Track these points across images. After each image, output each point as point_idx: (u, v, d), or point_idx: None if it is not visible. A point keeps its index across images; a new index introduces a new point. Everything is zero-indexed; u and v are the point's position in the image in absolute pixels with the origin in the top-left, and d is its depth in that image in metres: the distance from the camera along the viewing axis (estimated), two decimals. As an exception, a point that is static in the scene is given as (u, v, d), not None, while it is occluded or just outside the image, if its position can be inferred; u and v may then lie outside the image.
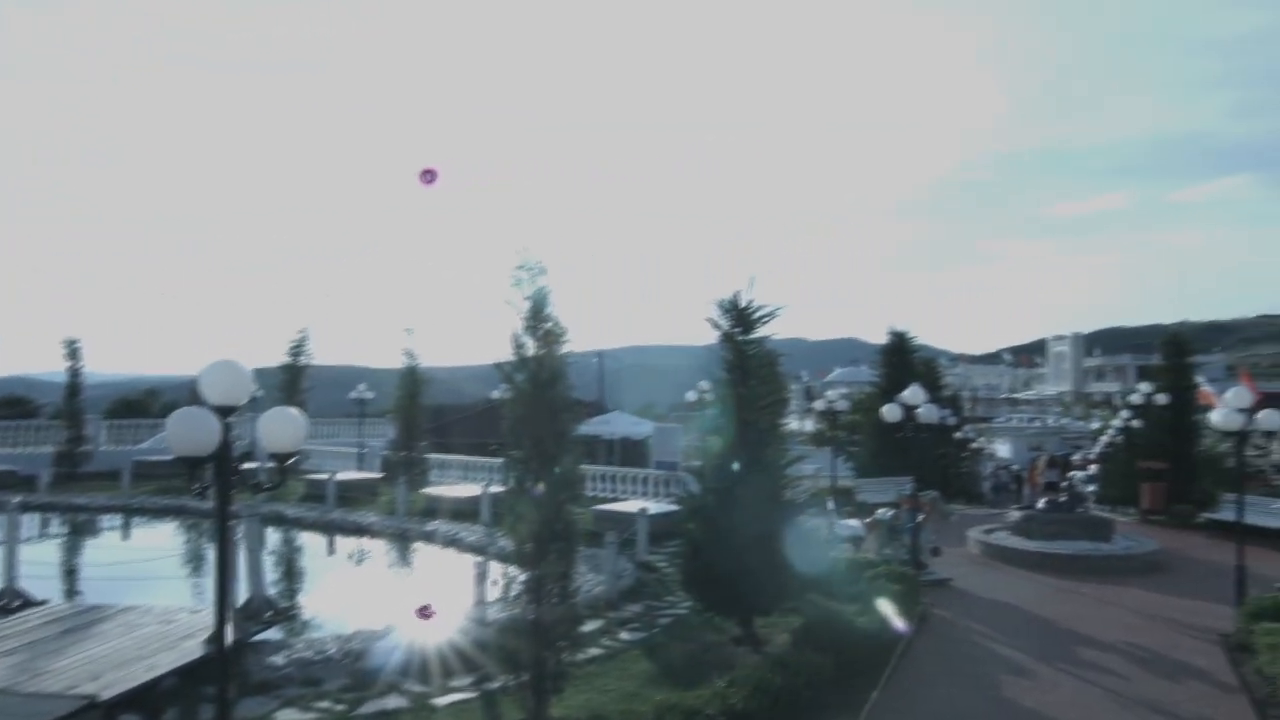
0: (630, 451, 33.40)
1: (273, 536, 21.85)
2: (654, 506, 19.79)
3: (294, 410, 6.84)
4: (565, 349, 9.02)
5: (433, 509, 23.10)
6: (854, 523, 18.65)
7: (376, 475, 27.91)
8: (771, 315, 11.84)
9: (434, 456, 28.44)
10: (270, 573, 15.76)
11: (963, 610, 14.45)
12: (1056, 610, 14.41)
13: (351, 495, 25.36)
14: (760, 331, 11.96)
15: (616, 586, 14.57)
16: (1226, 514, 18.93)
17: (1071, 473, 26.73)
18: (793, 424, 65.32)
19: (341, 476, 26.48)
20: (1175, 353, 26.39)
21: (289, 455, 6.70)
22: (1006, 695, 10.56)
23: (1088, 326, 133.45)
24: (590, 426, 32.33)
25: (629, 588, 15.16)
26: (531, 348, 8.72)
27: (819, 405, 25.15)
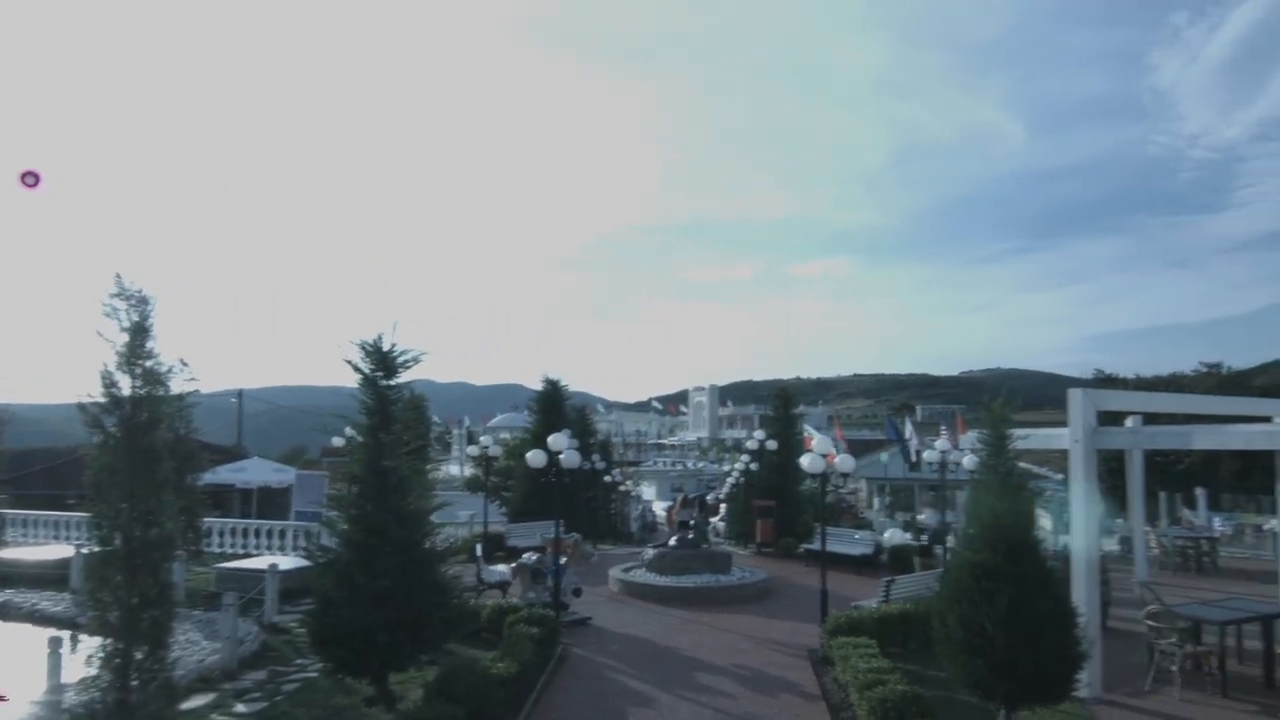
0: (269, 501, 30.69)
1: None
2: (287, 562, 18.31)
3: None
4: (187, 389, 8.10)
5: (6, 576, 19.35)
6: (501, 568, 18.76)
7: (-73, 538, 22.71)
8: (415, 360, 11.61)
9: (11, 512, 23.83)
10: None
11: (599, 647, 15.11)
12: (680, 640, 15.63)
13: (-113, 565, 20.34)
14: (404, 376, 11.67)
15: (236, 653, 13.18)
16: (818, 544, 21.92)
17: (710, 515, 29.31)
18: (453, 469, 64.78)
19: (-127, 542, 21.21)
20: (784, 404, 30.43)
21: None
22: (631, 726, 11.17)
23: (723, 379, 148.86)
24: (222, 474, 29.26)
25: (252, 653, 13.82)
26: (127, 387, 7.66)
27: (473, 451, 25.10)
